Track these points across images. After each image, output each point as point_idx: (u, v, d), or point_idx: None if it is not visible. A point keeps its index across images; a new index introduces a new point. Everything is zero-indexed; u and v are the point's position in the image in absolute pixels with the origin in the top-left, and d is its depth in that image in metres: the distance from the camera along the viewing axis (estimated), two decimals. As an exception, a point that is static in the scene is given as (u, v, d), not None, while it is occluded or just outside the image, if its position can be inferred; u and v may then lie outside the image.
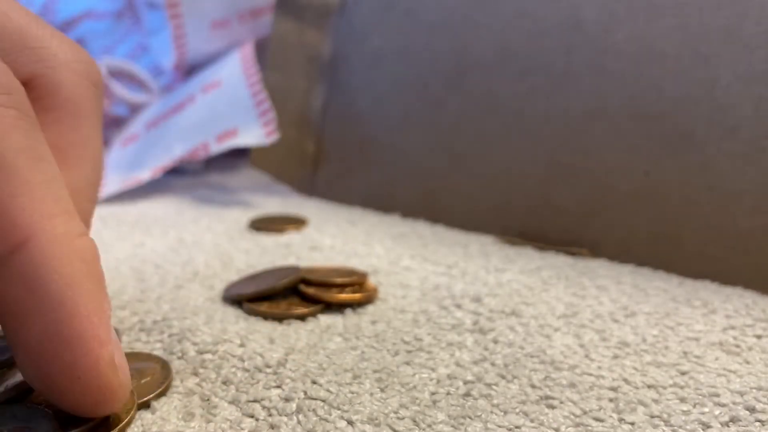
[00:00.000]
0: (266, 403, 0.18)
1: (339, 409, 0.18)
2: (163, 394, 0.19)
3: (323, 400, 0.18)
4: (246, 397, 0.19)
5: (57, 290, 0.14)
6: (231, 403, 0.18)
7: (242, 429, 0.17)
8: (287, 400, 0.18)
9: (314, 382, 0.19)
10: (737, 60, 0.31)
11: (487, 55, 0.39)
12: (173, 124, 0.49)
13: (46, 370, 0.15)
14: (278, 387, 0.19)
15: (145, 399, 0.18)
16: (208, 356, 0.21)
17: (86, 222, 0.20)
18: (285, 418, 0.18)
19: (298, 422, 0.17)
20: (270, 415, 0.18)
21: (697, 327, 0.24)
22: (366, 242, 0.34)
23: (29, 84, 0.18)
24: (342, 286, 0.26)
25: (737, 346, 0.23)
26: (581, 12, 0.36)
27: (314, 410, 0.18)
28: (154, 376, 0.19)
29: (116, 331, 0.22)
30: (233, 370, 0.20)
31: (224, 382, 0.19)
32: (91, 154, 0.20)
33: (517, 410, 0.18)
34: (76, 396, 0.15)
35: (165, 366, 0.20)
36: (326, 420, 0.17)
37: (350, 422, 0.17)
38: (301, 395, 0.19)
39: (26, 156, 0.15)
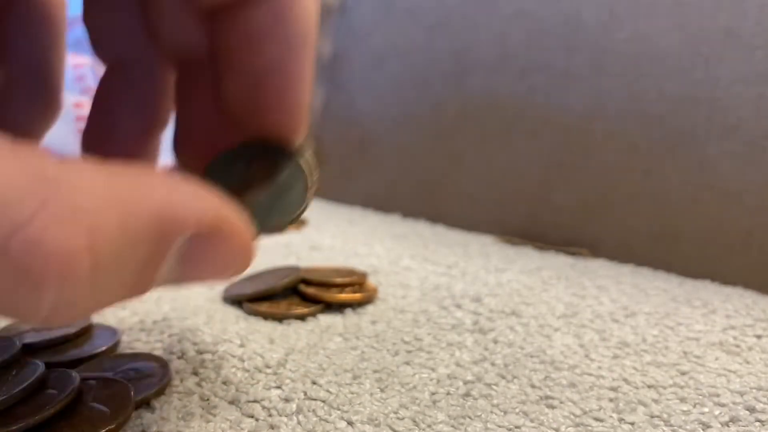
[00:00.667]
0: (266, 403, 0.18)
1: (339, 409, 0.18)
2: (161, 393, 0.19)
3: (323, 401, 0.18)
4: (246, 397, 0.19)
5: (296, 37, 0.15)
6: (231, 403, 0.18)
7: (242, 429, 0.17)
8: (287, 400, 0.18)
9: (314, 383, 0.19)
10: (737, 60, 0.31)
11: (487, 55, 0.39)
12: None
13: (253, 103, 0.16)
14: (278, 387, 0.19)
15: (144, 397, 0.18)
16: (208, 356, 0.21)
17: None
18: (285, 419, 0.18)
19: (298, 422, 0.17)
20: (270, 415, 0.18)
21: (697, 327, 0.24)
22: (366, 242, 0.34)
23: None
24: (342, 286, 0.26)
25: (737, 346, 0.23)
26: (581, 12, 0.36)
27: (314, 410, 0.18)
28: (153, 375, 0.19)
29: (116, 331, 0.22)
30: (233, 370, 0.20)
31: (224, 382, 0.19)
32: None
33: (517, 410, 0.18)
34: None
35: (164, 365, 0.20)
36: (326, 420, 0.17)
37: (350, 422, 0.17)
38: (301, 396, 0.19)
39: None
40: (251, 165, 0.16)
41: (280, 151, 0.16)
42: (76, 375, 0.17)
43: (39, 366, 0.17)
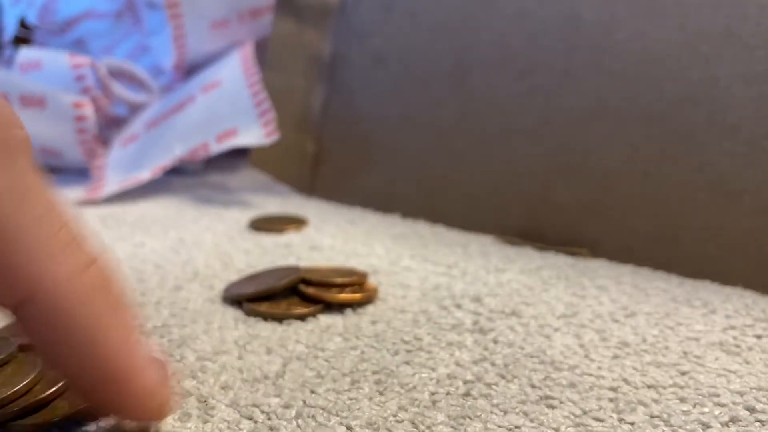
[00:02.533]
0: (265, 407, 0.18)
1: (338, 415, 0.18)
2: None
3: (322, 408, 0.18)
4: (245, 401, 0.19)
5: (79, 334, 0.14)
6: (229, 405, 0.18)
7: (240, 430, 0.17)
8: (286, 407, 0.18)
9: (313, 392, 0.19)
10: (737, 60, 0.31)
11: (487, 55, 0.39)
12: (173, 124, 0.49)
13: (93, 399, 0.15)
14: (277, 396, 0.19)
15: None
16: (208, 363, 0.21)
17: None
18: (284, 422, 0.18)
19: (297, 426, 0.17)
20: (269, 418, 0.18)
21: (697, 327, 0.24)
22: (366, 242, 0.34)
23: None
24: (342, 286, 0.26)
25: (737, 346, 0.23)
26: (581, 12, 0.36)
27: (313, 416, 0.18)
28: None
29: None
30: (232, 378, 0.20)
31: (222, 387, 0.19)
32: None
33: (517, 410, 0.18)
34: (125, 413, 0.16)
35: (162, 366, 0.20)
36: (325, 425, 0.17)
37: (349, 428, 0.17)
38: (300, 404, 0.18)
39: (8, 197, 0.13)
40: None
41: None
42: None
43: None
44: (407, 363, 0.21)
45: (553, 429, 0.17)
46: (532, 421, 0.18)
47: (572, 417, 0.18)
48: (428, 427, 0.17)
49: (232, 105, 0.46)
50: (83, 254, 0.14)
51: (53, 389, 0.17)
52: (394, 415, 0.18)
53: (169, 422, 0.17)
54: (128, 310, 0.15)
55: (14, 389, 0.16)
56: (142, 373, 0.15)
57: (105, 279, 0.15)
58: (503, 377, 0.20)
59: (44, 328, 0.14)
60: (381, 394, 0.19)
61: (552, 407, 0.19)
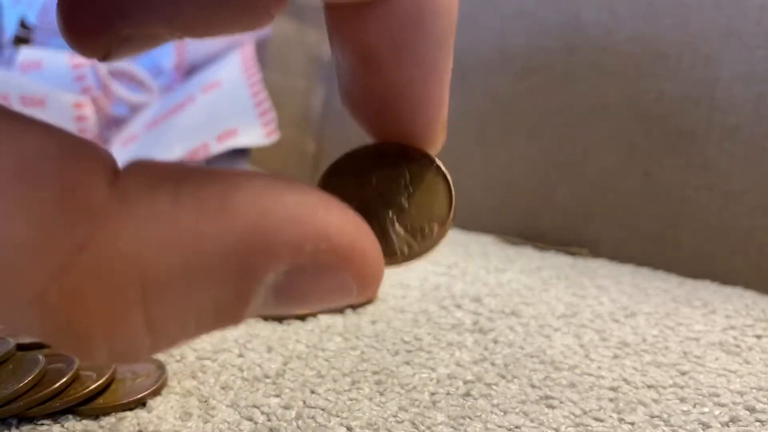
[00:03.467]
0: (265, 408, 0.18)
1: (338, 416, 0.18)
2: (158, 393, 0.19)
3: (322, 408, 0.18)
4: (245, 402, 0.19)
5: (430, 45, 0.12)
6: (229, 406, 0.18)
7: (241, 430, 0.17)
8: (286, 407, 0.18)
9: (313, 392, 0.19)
10: (737, 60, 0.31)
11: (487, 55, 0.39)
12: (173, 124, 0.49)
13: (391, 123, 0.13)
14: (277, 396, 0.19)
15: (139, 396, 0.18)
16: (208, 363, 0.21)
17: None
18: (284, 423, 0.18)
19: (298, 427, 0.17)
20: (269, 419, 0.18)
21: (697, 327, 0.24)
22: (366, 242, 0.34)
23: None
24: (342, 286, 0.26)
25: (737, 346, 0.23)
26: (581, 12, 0.36)
27: (313, 417, 0.18)
28: (149, 376, 0.19)
29: None
30: (232, 378, 0.20)
31: (223, 387, 0.19)
32: None
33: (517, 410, 0.18)
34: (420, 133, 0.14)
35: (161, 366, 0.20)
36: (325, 426, 0.17)
37: (349, 428, 0.17)
38: (300, 404, 0.18)
39: None
40: (382, 170, 0.13)
41: (417, 155, 0.14)
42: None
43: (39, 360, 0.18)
44: (407, 363, 0.21)
45: (553, 429, 0.17)
46: (532, 421, 0.18)
47: (572, 417, 0.18)
48: (428, 428, 0.17)
49: (232, 105, 0.46)
50: None
51: (65, 378, 0.17)
52: (394, 416, 0.18)
53: (170, 421, 0.17)
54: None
55: (21, 384, 0.16)
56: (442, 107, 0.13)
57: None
58: (503, 377, 0.20)
59: (406, 25, 0.12)
60: (381, 394, 0.19)
61: (552, 407, 0.19)
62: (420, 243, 0.12)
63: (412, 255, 0.12)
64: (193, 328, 0.09)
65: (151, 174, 0.09)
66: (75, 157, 0.08)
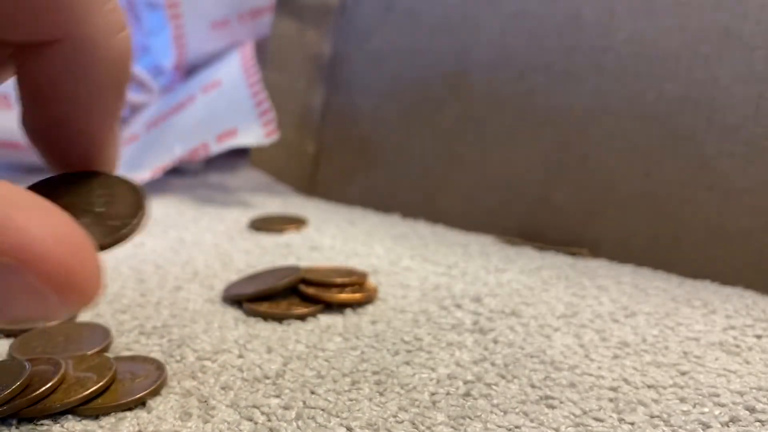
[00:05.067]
0: (265, 409, 0.18)
1: (338, 416, 0.18)
2: (157, 393, 0.19)
3: (322, 409, 0.18)
4: (245, 402, 0.19)
5: (93, 86, 0.15)
6: (229, 406, 0.18)
7: (241, 431, 0.17)
8: (286, 408, 0.18)
9: (313, 392, 0.19)
10: (737, 60, 0.31)
11: (487, 55, 0.39)
12: (173, 124, 0.49)
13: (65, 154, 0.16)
14: (277, 396, 0.19)
15: (139, 396, 0.18)
16: (208, 363, 0.21)
17: None
18: (284, 424, 0.18)
19: (297, 427, 0.17)
20: (269, 420, 0.18)
21: (697, 327, 0.24)
22: (366, 242, 0.34)
23: None
24: (342, 286, 0.26)
25: (737, 346, 0.23)
26: (581, 12, 0.36)
27: (313, 417, 0.18)
28: (148, 376, 0.19)
29: (108, 332, 0.22)
30: (232, 378, 0.20)
31: (223, 388, 0.19)
32: None
33: (517, 410, 0.18)
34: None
35: (160, 366, 0.20)
36: (325, 427, 0.17)
37: (349, 429, 0.17)
38: (300, 405, 0.18)
39: None
40: (76, 189, 0.16)
41: (102, 174, 0.16)
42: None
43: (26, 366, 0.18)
44: (407, 363, 0.21)
45: (553, 429, 0.17)
46: (532, 421, 0.18)
47: (572, 417, 0.18)
48: (428, 428, 0.17)
49: (232, 105, 0.46)
50: (120, 17, 0.15)
51: (52, 382, 0.17)
52: (394, 416, 0.18)
53: (170, 421, 0.17)
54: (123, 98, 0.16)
55: (8, 390, 0.16)
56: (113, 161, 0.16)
57: (128, 50, 0.15)
58: (503, 377, 0.20)
59: (63, 69, 0.14)
60: (381, 394, 0.19)
61: (552, 407, 0.19)
62: (115, 235, 0.15)
63: (107, 246, 0.14)
64: None
65: None
66: None
